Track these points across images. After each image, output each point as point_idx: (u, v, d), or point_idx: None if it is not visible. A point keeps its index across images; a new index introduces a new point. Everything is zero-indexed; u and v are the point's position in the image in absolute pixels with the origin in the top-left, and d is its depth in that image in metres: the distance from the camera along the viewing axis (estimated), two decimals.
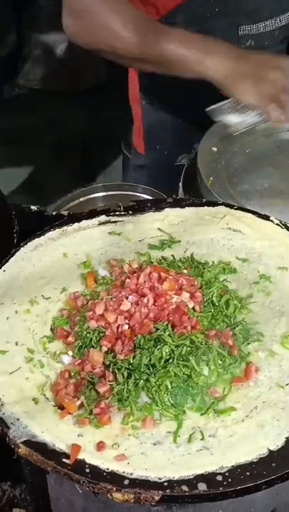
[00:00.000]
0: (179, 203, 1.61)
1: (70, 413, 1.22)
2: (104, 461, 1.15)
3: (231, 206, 1.60)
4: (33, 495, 1.46)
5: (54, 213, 1.77)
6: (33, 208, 1.79)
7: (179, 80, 1.81)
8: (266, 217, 1.56)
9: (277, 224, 1.54)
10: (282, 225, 1.54)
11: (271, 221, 1.55)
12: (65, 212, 1.75)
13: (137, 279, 1.36)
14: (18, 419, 1.21)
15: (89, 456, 1.16)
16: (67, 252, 1.51)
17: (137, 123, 2.34)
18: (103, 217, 1.59)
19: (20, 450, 1.18)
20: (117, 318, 1.30)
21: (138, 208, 1.60)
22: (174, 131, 2.23)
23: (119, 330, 1.29)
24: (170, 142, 2.24)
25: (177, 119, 2.21)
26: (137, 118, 2.33)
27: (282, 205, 1.75)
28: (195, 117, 1.99)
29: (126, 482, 1.12)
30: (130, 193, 2.08)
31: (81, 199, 2.07)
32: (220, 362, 1.27)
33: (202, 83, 1.77)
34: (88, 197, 2.08)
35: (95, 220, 1.58)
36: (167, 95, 2.13)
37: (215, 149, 1.92)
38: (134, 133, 2.37)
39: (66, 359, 1.30)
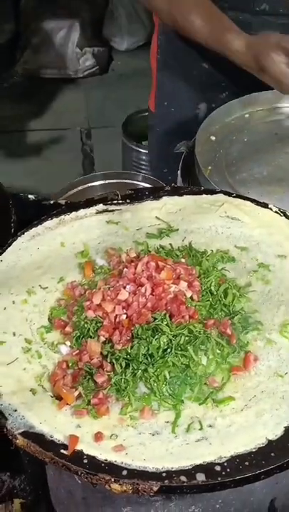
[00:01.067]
0: (177, 191, 1.60)
1: (67, 404, 1.21)
2: (103, 452, 1.14)
3: (230, 194, 1.59)
4: (32, 485, 1.46)
5: (51, 202, 1.76)
6: (31, 196, 1.79)
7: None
8: (265, 205, 1.55)
9: (276, 212, 1.53)
10: (281, 212, 1.53)
11: (270, 209, 1.54)
12: (63, 201, 1.74)
13: (135, 269, 1.35)
14: (16, 410, 1.20)
15: (87, 446, 1.15)
16: (64, 242, 1.50)
17: (152, 79, 2.37)
18: (101, 206, 1.58)
19: (18, 441, 1.17)
20: (114, 307, 1.29)
21: (136, 196, 1.59)
22: (183, 88, 2.24)
23: (117, 320, 1.28)
24: (179, 100, 2.27)
25: (188, 78, 2.22)
26: (152, 73, 2.36)
27: (281, 192, 1.74)
28: (203, 76, 2.07)
29: (124, 473, 1.12)
30: (129, 181, 2.07)
31: (79, 187, 2.06)
32: (218, 351, 1.26)
33: None
34: (87, 185, 2.07)
35: (93, 209, 1.57)
36: (181, 52, 2.16)
37: (213, 138, 1.91)
38: (151, 91, 2.41)
39: (64, 349, 1.30)
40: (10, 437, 1.18)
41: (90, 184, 2.08)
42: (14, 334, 1.33)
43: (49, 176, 3.34)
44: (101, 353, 1.25)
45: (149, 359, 1.23)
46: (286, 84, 1.77)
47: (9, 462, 1.46)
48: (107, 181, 2.07)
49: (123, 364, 1.23)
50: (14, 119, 4.42)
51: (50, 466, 1.26)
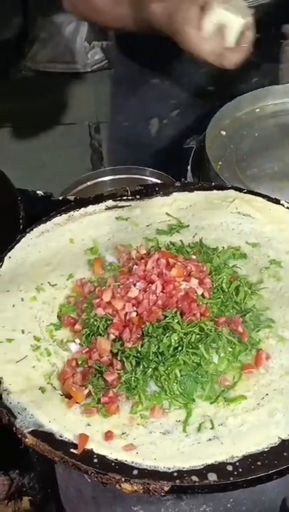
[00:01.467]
0: (187, 187, 1.58)
1: (77, 402, 1.19)
2: (113, 451, 1.13)
3: (241, 190, 1.57)
4: (41, 483, 1.45)
5: (60, 198, 1.75)
6: (39, 192, 1.77)
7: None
8: (276, 201, 1.53)
9: (288, 207, 1.51)
10: None
11: (281, 205, 1.52)
12: (72, 197, 1.73)
13: (145, 266, 1.33)
14: (25, 409, 1.19)
15: (97, 446, 1.14)
16: (73, 238, 1.49)
17: None
18: (110, 202, 1.56)
19: (27, 440, 1.16)
20: (124, 305, 1.27)
21: (146, 192, 1.57)
22: (135, 103, 2.20)
23: (127, 317, 1.26)
24: (132, 113, 2.22)
25: (139, 93, 2.17)
26: None
27: None
28: (155, 92, 2.01)
29: (135, 472, 1.10)
30: (138, 176, 2.05)
31: (88, 183, 2.04)
32: (230, 349, 1.24)
33: None
34: (95, 181, 2.05)
35: (102, 205, 1.56)
36: (134, 67, 2.12)
37: (224, 133, 1.90)
38: None
39: (73, 347, 1.28)
40: (19, 436, 1.17)
41: (98, 179, 2.06)
42: (23, 332, 1.31)
43: (57, 171, 3.32)
44: (111, 351, 1.24)
45: (159, 357, 1.21)
46: (197, 50, 1.59)
47: (18, 460, 1.45)
48: (116, 176, 2.05)
49: (133, 362, 1.21)
50: (22, 114, 4.40)
51: (59, 464, 1.24)
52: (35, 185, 1.81)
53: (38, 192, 1.77)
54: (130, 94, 2.17)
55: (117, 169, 2.07)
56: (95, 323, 1.27)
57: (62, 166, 3.68)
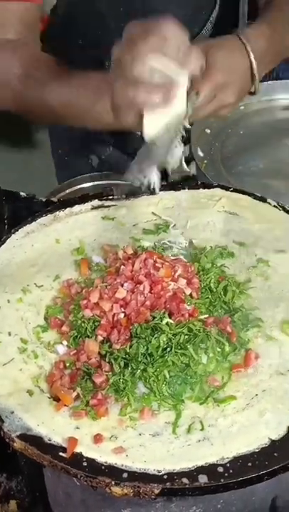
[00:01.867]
0: (173, 186, 1.57)
1: (65, 405, 1.18)
2: (102, 454, 1.11)
3: (227, 188, 1.56)
4: (29, 487, 1.44)
5: (44, 199, 1.73)
6: (22, 194, 1.75)
7: None
8: (263, 199, 1.52)
9: (275, 206, 1.50)
10: (280, 206, 1.50)
11: (268, 203, 1.51)
12: (55, 199, 1.71)
13: (132, 266, 1.32)
14: (13, 412, 1.17)
15: (86, 449, 1.12)
16: (59, 238, 1.47)
17: None
18: (96, 202, 1.55)
19: (15, 444, 1.15)
20: (112, 306, 1.26)
21: (131, 191, 1.56)
22: (75, 141, 2.14)
23: (115, 318, 1.25)
24: (72, 150, 2.17)
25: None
26: None
27: (278, 186, 1.72)
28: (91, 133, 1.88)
29: (124, 475, 1.09)
30: (118, 182, 2.02)
31: (67, 191, 2.01)
32: (218, 349, 1.24)
33: None
34: (75, 188, 2.02)
35: (88, 205, 1.54)
36: None
37: (208, 131, 1.89)
38: None
39: (61, 349, 1.27)
40: (7, 440, 1.16)
41: (78, 186, 2.03)
42: (10, 334, 1.30)
43: (36, 173, 3.26)
44: (99, 353, 1.22)
45: (148, 358, 1.20)
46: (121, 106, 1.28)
47: (6, 463, 1.44)
48: (96, 183, 2.03)
49: (122, 364, 1.20)
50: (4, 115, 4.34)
51: (48, 468, 1.23)
52: (13, 186, 1.79)
53: (21, 193, 1.75)
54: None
55: (94, 176, 2.04)
56: (83, 324, 1.26)
57: (42, 167, 3.63)
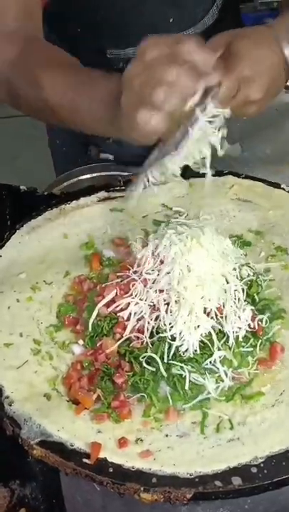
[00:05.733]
0: (182, 174, 1.50)
1: (86, 408, 1.12)
2: (128, 459, 1.06)
3: (239, 175, 1.50)
4: (45, 494, 1.37)
5: (46, 193, 1.66)
6: (23, 188, 1.68)
7: None
8: (277, 185, 1.47)
9: None
10: None
11: (282, 189, 1.46)
12: (58, 192, 1.64)
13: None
14: (31, 418, 1.11)
15: (111, 454, 1.06)
16: (67, 233, 1.41)
17: None
18: (102, 194, 1.48)
19: (35, 452, 1.09)
20: (129, 302, 1.20)
21: None
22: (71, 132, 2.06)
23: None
24: (69, 140, 2.05)
25: None
26: None
27: (288, 170, 1.66)
28: None
29: (154, 480, 1.03)
30: (118, 172, 1.95)
31: (65, 183, 1.93)
32: (243, 343, 1.18)
33: None
34: (73, 180, 1.95)
35: (94, 197, 1.48)
36: None
37: None
38: None
39: (77, 349, 1.21)
40: (26, 448, 1.10)
41: (76, 179, 1.96)
42: (21, 335, 1.23)
43: (30, 164, 3.21)
44: (118, 352, 1.16)
45: (170, 356, 1.14)
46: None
47: (18, 469, 1.37)
48: (94, 174, 1.95)
49: (143, 363, 1.14)
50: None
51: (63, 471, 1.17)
52: (8, 179, 1.71)
53: (21, 187, 1.68)
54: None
55: (94, 167, 1.97)
56: (99, 323, 1.20)
57: (36, 158, 3.56)
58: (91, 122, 1.29)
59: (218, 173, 1.50)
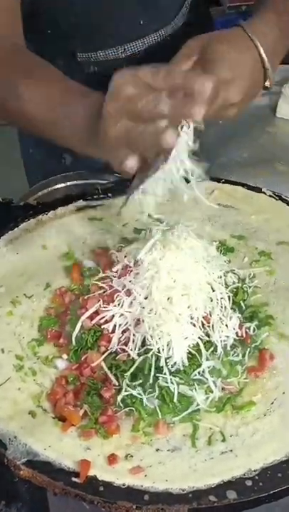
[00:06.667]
0: None
1: (73, 425, 1.08)
2: (119, 476, 1.02)
3: (219, 180, 1.48)
4: None
5: (21, 204, 1.62)
6: None
7: None
8: (258, 190, 1.45)
9: (271, 196, 1.43)
10: (276, 196, 1.42)
11: (263, 193, 1.44)
12: (34, 202, 1.60)
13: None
14: (16, 437, 1.07)
15: (100, 471, 1.03)
16: (45, 244, 1.37)
17: None
18: (80, 203, 1.45)
19: (22, 472, 1.05)
20: (113, 314, 1.16)
21: (117, 189, 1.46)
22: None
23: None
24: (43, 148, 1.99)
25: None
26: None
27: (267, 174, 1.64)
28: None
29: (146, 497, 1.00)
30: (93, 180, 1.92)
31: (39, 193, 1.89)
32: (231, 352, 1.15)
33: None
34: (47, 190, 1.91)
35: (72, 206, 1.45)
36: None
37: None
38: None
39: (61, 363, 1.17)
40: (12, 468, 1.06)
41: (51, 188, 1.91)
42: (3, 351, 1.19)
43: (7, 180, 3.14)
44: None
45: (157, 369, 1.11)
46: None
47: (4, 489, 1.33)
48: (69, 183, 1.91)
49: (130, 376, 1.11)
50: None
51: (51, 492, 1.13)
52: None
53: None
54: None
55: (68, 176, 1.93)
56: (83, 336, 1.16)
57: (6, 168, 3.51)
58: (69, 138, 1.26)
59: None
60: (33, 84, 1.29)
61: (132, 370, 1.10)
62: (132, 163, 1.07)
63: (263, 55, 1.29)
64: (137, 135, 1.05)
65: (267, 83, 1.33)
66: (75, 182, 1.85)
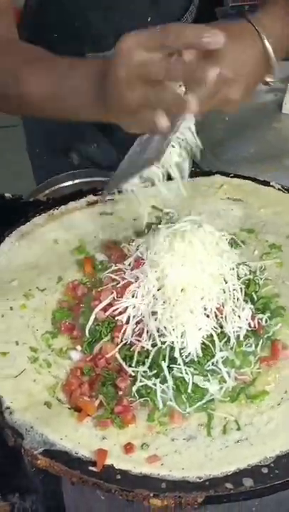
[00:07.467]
0: (170, 177, 1.48)
1: (88, 415, 1.09)
2: (136, 465, 1.03)
3: (227, 174, 1.49)
4: (45, 506, 1.34)
5: (32, 200, 1.63)
6: (8, 195, 1.65)
7: None
8: (266, 183, 1.46)
9: (279, 189, 1.44)
10: (285, 189, 1.44)
11: (272, 186, 1.45)
12: (44, 198, 1.62)
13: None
14: (32, 427, 1.08)
15: (117, 460, 1.04)
16: (57, 238, 1.38)
17: None
18: (91, 197, 1.46)
19: (39, 462, 1.05)
20: (127, 306, 1.17)
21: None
22: (52, 139, 2.01)
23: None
24: (50, 148, 2.04)
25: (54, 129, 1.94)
26: None
27: (274, 169, 1.66)
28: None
29: (163, 486, 1.01)
30: (100, 178, 1.93)
31: (46, 191, 1.90)
32: (244, 343, 1.16)
33: None
34: (55, 187, 1.92)
35: (83, 201, 1.46)
36: None
37: None
38: None
39: (75, 355, 1.18)
40: (29, 458, 1.07)
41: (58, 186, 1.93)
42: (17, 343, 1.20)
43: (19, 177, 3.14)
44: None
45: (172, 360, 1.12)
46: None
47: (18, 482, 1.34)
48: (76, 181, 1.93)
49: (144, 367, 1.12)
50: None
51: (66, 481, 1.14)
52: None
53: (5, 194, 1.64)
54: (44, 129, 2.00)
55: (76, 173, 1.94)
56: (97, 328, 1.17)
57: (14, 167, 3.51)
58: (76, 107, 1.26)
59: (206, 173, 1.50)
60: (32, 68, 1.30)
61: (148, 361, 1.11)
62: (165, 122, 1.07)
63: (269, 50, 1.29)
64: (157, 97, 1.06)
65: (269, 78, 1.32)
66: (82, 179, 1.87)
